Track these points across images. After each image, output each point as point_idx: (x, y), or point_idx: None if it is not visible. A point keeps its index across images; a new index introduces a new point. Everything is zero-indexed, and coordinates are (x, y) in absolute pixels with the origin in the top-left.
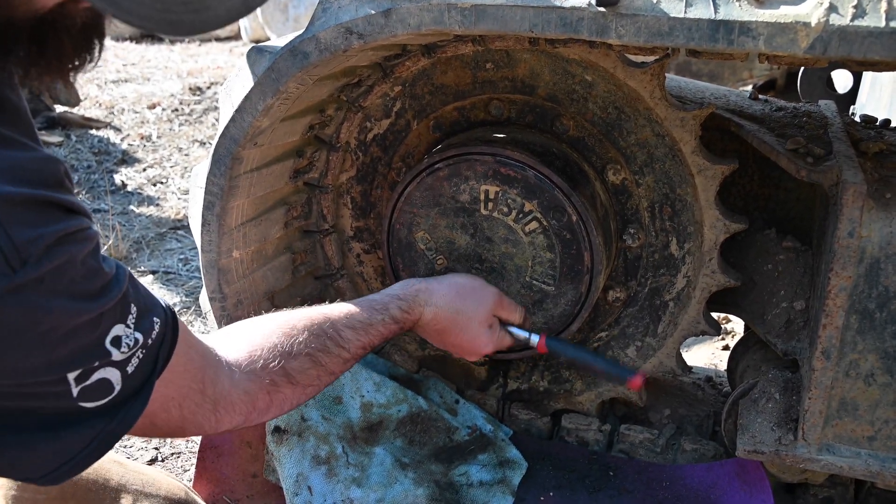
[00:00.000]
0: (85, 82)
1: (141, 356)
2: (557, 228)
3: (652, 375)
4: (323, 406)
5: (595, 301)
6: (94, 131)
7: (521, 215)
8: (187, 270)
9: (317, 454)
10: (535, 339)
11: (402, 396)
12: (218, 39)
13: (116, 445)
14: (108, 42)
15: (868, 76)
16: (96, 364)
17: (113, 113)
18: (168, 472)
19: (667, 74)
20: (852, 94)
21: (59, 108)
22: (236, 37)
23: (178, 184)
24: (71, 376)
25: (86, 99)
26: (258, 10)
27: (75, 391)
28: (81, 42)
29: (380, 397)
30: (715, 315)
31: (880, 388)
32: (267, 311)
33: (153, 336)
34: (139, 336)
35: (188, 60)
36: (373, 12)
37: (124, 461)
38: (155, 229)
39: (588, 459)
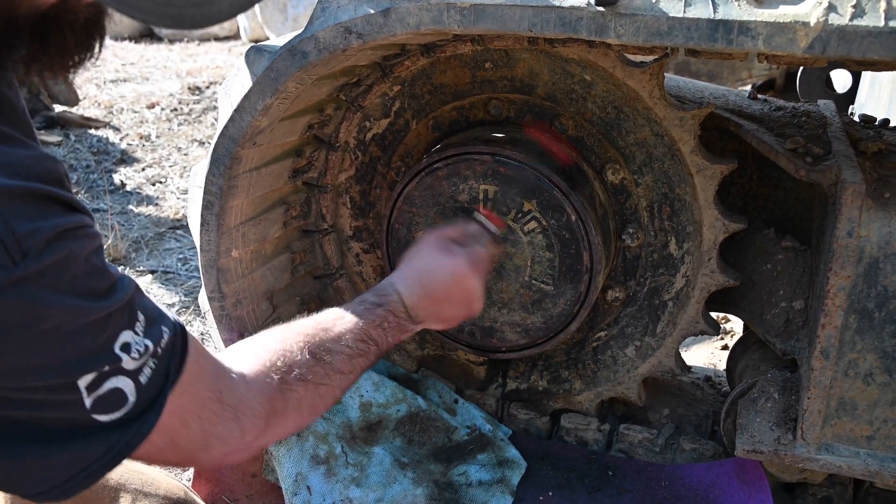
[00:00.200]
0: (84, 82)
1: (153, 366)
2: (556, 228)
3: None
4: None
5: (594, 301)
6: (92, 131)
7: (520, 215)
8: (186, 270)
9: (316, 454)
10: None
11: (402, 396)
12: (217, 39)
13: None
14: (107, 41)
15: (867, 76)
16: (106, 369)
17: (112, 112)
18: (167, 471)
19: (666, 74)
20: (851, 94)
21: (57, 108)
22: (235, 36)
23: (177, 183)
24: (81, 384)
25: (85, 98)
26: (257, 10)
27: (88, 401)
28: (83, 38)
29: (379, 397)
30: (714, 315)
31: (879, 388)
32: (266, 310)
33: (163, 345)
34: (149, 343)
35: (187, 60)
36: (372, 12)
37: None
38: (154, 229)
39: (587, 459)
